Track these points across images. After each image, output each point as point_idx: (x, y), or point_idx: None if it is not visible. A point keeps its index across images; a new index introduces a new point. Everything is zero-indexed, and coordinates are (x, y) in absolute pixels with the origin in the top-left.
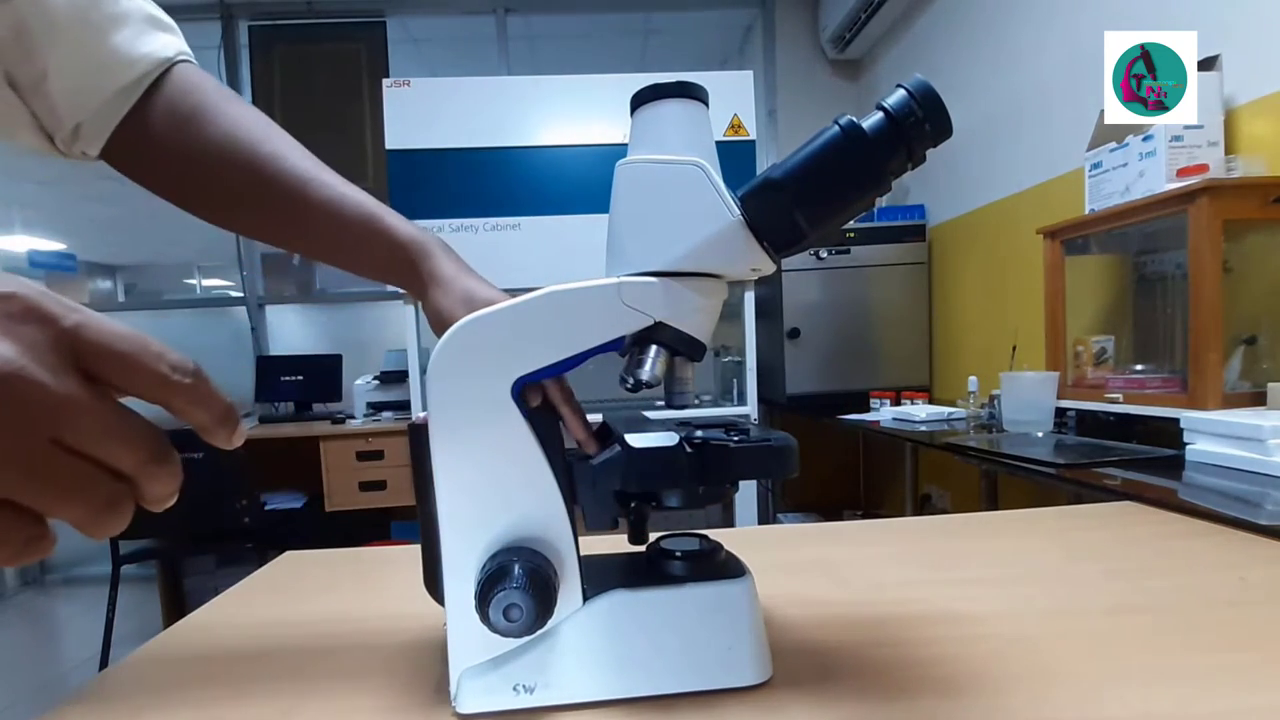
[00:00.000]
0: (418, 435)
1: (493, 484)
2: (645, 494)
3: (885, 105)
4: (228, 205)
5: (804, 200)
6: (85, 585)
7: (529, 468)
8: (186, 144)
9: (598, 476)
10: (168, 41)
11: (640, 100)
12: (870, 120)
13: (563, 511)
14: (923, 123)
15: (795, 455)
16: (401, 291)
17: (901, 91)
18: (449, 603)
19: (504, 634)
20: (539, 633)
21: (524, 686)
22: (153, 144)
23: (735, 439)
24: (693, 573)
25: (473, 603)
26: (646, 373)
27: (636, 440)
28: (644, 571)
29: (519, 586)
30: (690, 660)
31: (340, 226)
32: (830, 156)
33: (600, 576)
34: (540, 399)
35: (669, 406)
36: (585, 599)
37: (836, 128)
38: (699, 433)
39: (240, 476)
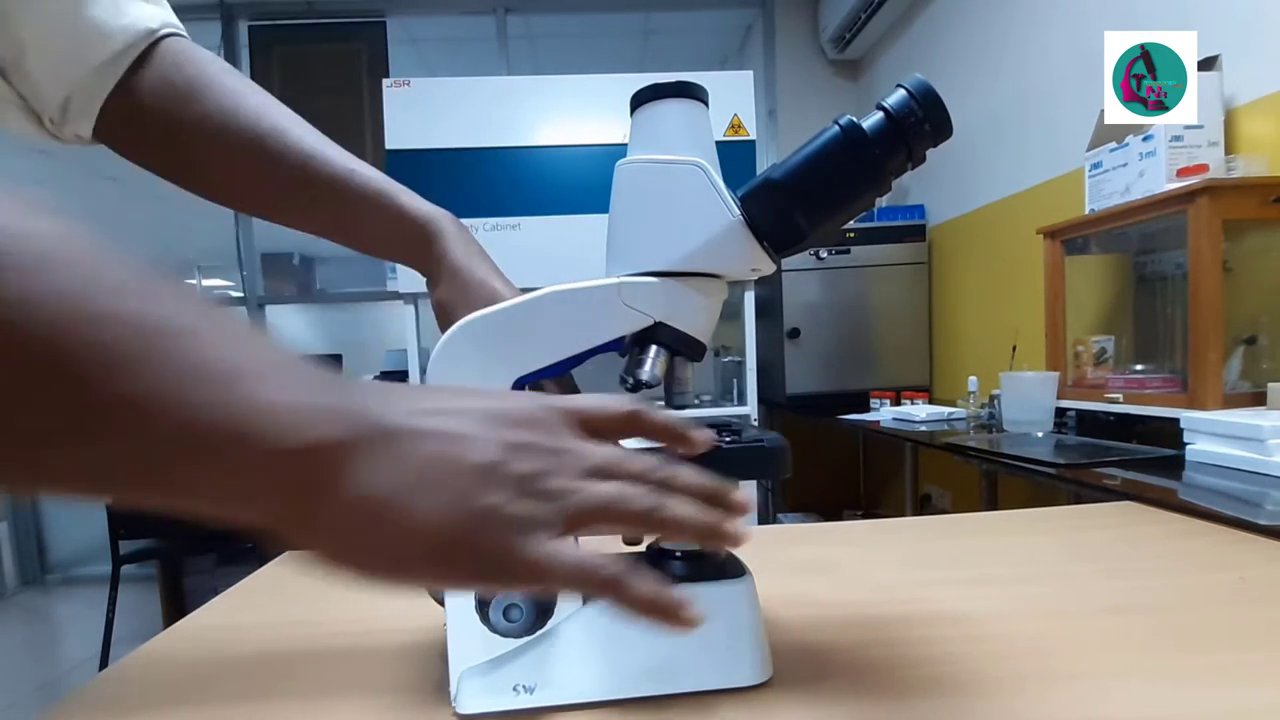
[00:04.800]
0: None
1: None
2: None
3: (885, 105)
4: (230, 183)
5: (804, 200)
6: (85, 585)
7: None
8: (184, 120)
9: None
10: (151, 13)
11: (640, 100)
12: (870, 120)
13: None
14: (923, 122)
15: (787, 456)
16: (402, 291)
17: (901, 91)
18: (449, 603)
19: (504, 634)
20: (539, 633)
21: (524, 687)
22: (148, 121)
23: (727, 440)
24: (692, 573)
25: (473, 603)
26: (646, 373)
27: (630, 440)
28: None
29: None
30: (690, 660)
31: (348, 202)
32: (830, 156)
33: None
34: None
35: (668, 406)
36: (585, 599)
37: (836, 128)
38: None
39: None
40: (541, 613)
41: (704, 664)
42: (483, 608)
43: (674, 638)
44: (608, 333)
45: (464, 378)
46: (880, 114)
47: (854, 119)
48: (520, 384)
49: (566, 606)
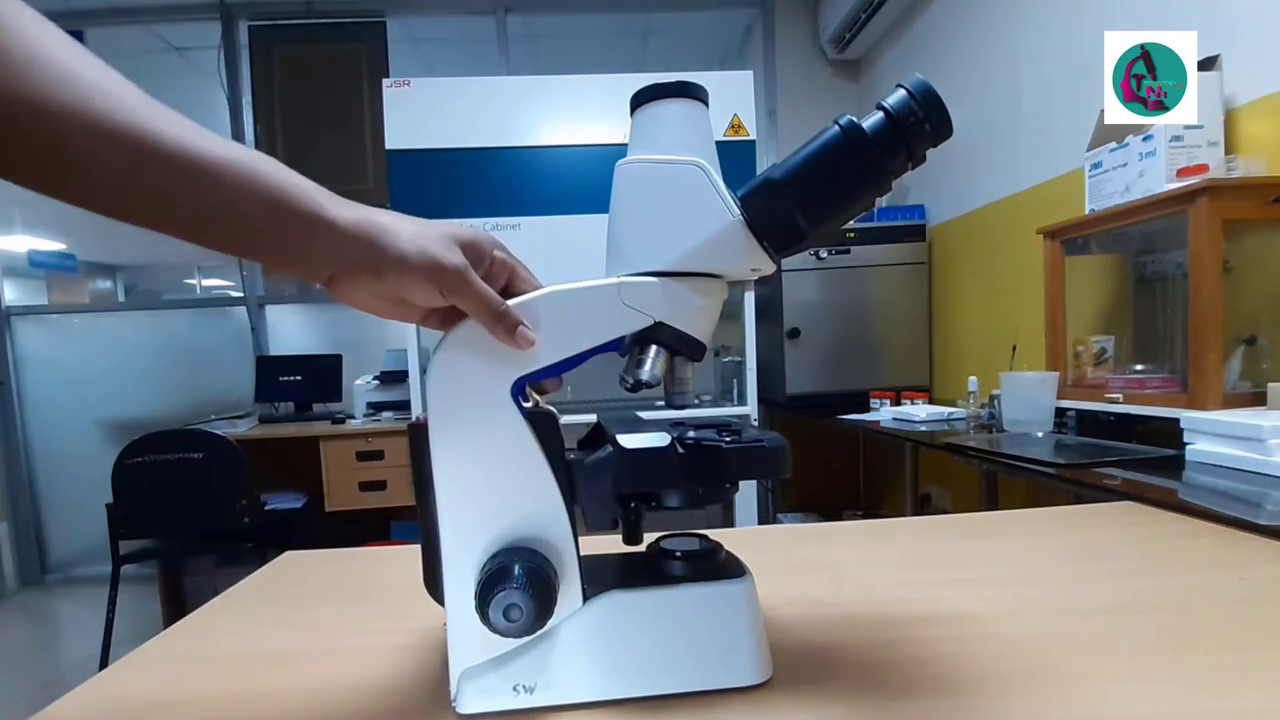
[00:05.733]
0: (418, 435)
1: (493, 484)
2: (645, 494)
3: (885, 105)
4: (38, 174)
5: (804, 200)
6: (85, 585)
7: (529, 468)
8: None
9: (591, 477)
10: None
11: (640, 100)
12: (870, 120)
13: (563, 511)
14: (923, 122)
15: (788, 456)
16: None
17: (901, 91)
18: (449, 603)
19: (504, 634)
20: (539, 633)
21: (524, 687)
22: None
23: (727, 439)
24: (692, 573)
25: (473, 603)
26: (646, 373)
27: (628, 441)
28: (644, 571)
29: (519, 587)
30: (690, 660)
31: (216, 189)
32: (830, 156)
33: (600, 576)
34: (533, 401)
35: (669, 406)
36: (585, 599)
37: (836, 128)
38: (691, 433)
39: (240, 476)
40: (541, 613)
41: (704, 664)
42: (482, 608)
43: (674, 638)
44: (608, 333)
45: (465, 377)
46: (880, 114)
47: (854, 119)
48: (520, 384)
49: (566, 606)
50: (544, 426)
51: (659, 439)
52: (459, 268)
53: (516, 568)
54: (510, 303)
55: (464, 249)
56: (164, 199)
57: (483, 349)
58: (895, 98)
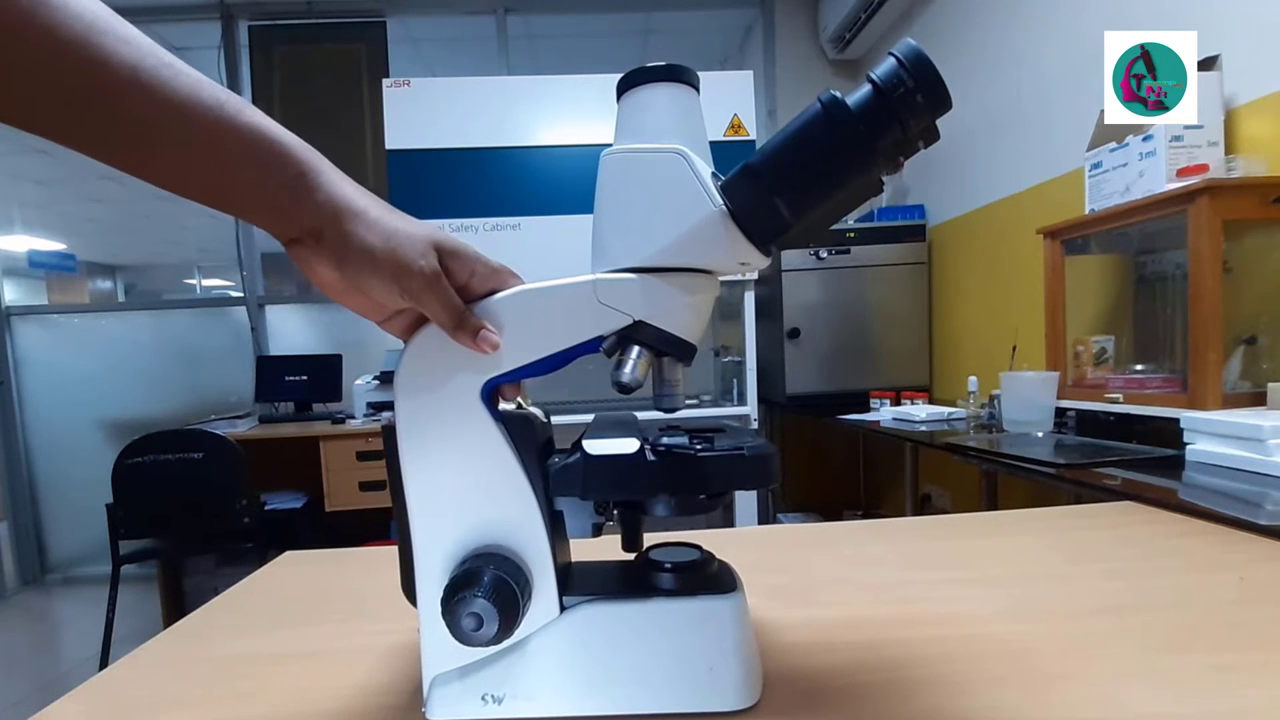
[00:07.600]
0: (390, 437)
1: (462, 488)
2: (623, 502)
3: (873, 76)
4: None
5: (783, 185)
6: (85, 585)
7: (500, 472)
8: None
9: (558, 482)
10: None
11: (626, 85)
12: (856, 94)
13: (537, 517)
14: (914, 92)
15: (772, 465)
16: None
17: (891, 60)
18: (421, 607)
19: (468, 643)
20: (510, 642)
21: (492, 696)
22: None
23: (698, 447)
24: (678, 586)
25: (439, 609)
26: (626, 375)
27: (594, 446)
28: (629, 582)
29: (480, 595)
30: (669, 679)
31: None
32: (811, 135)
33: (585, 585)
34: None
35: (656, 409)
36: (563, 609)
37: (818, 104)
38: (665, 439)
39: (240, 476)
40: (505, 623)
41: (684, 684)
42: (447, 614)
43: (652, 654)
44: (583, 333)
45: (434, 378)
46: (868, 86)
47: (837, 94)
48: (491, 385)
49: (540, 616)
50: (519, 429)
51: (627, 445)
52: (426, 273)
53: (483, 575)
54: (477, 305)
55: (444, 256)
56: (137, 127)
57: (452, 350)
58: (883, 67)
